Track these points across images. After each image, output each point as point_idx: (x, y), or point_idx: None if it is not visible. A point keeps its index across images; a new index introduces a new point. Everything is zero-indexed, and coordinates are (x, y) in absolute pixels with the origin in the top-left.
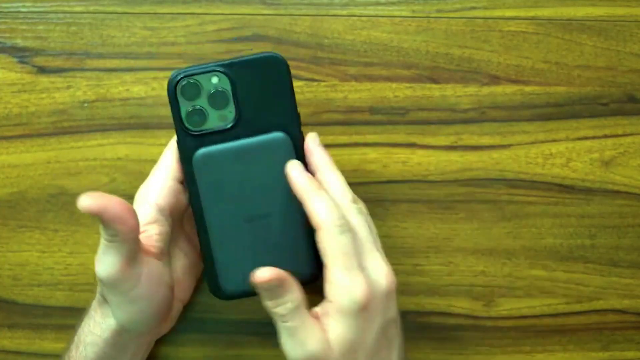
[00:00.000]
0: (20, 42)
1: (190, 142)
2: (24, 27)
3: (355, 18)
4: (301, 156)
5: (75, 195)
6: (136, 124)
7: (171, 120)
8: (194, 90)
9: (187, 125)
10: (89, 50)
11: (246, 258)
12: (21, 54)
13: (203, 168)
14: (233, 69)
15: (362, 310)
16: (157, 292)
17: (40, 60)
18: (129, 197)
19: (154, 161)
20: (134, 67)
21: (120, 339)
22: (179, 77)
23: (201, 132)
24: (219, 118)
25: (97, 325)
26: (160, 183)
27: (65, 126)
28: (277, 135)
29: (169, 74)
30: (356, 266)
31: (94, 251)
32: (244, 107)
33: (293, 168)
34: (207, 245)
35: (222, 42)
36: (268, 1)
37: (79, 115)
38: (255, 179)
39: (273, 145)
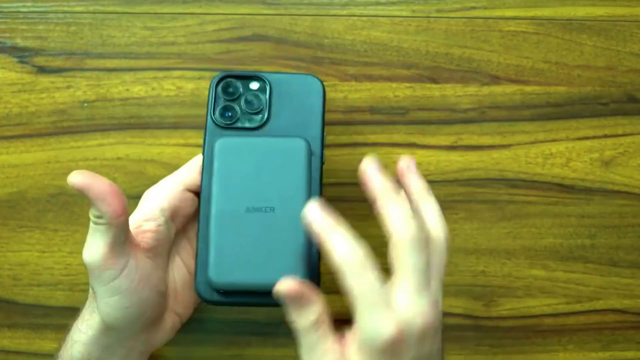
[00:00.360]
0: (20, 42)
1: (216, 133)
2: (24, 27)
3: (355, 18)
4: (316, 169)
5: (75, 196)
6: (136, 123)
7: (171, 120)
8: (233, 90)
9: (218, 117)
10: (89, 50)
11: (243, 250)
12: (21, 54)
13: (222, 154)
14: (273, 80)
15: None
16: (143, 290)
17: (40, 60)
18: (129, 197)
19: (154, 161)
20: (134, 67)
21: (105, 338)
22: (222, 76)
23: (228, 127)
24: (249, 121)
25: (85, 323)
26: (169, 187)
27: (65, 126)
28: (297, 139)
29: (169, 74)
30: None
31: None
32: (274, 117)
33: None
34: (205, 232)
35: (222, 42)
36: (268, 1)
37: (79, 115)
38: (268, 174)
39: (292, 146)
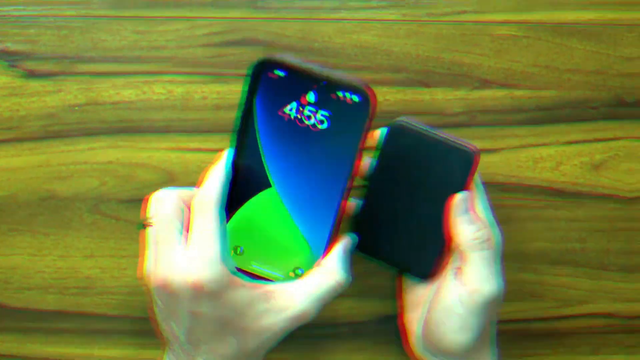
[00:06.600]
0: (10, 46)
1: None
2: (14, 30)
3: (345, 22)
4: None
5: (65, 199)
6: (126, 127)
7: (162, 124)
8: None
9: None
10: (80, 54)
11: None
12: (12, 58)
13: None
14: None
15: None
16: None
17: (30, 64)
18: (120, 201)
19: (144, 164)
20: (124, 71)
21: None
22: None
23: None
24: None
25: None
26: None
27: (56, 130)
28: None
29: (159, 77)
30: None
31: (84, 255)
32: None
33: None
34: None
35: (212, 46)
36: (259, 5)
37: (69, 119)
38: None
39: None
